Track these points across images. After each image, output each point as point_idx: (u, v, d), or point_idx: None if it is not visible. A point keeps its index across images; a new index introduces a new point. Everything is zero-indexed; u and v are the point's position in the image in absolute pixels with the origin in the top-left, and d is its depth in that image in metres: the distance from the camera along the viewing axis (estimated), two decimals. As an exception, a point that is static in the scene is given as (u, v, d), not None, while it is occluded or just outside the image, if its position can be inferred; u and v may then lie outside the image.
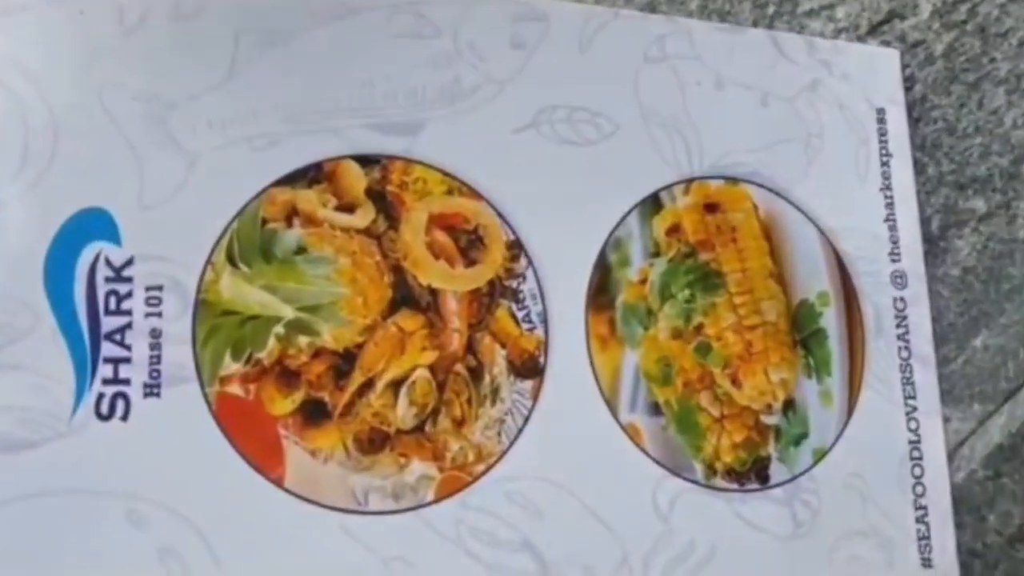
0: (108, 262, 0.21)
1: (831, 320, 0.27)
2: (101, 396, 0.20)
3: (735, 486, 0.25)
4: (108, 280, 0.21)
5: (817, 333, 0.26)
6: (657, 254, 0.25)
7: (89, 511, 0.20)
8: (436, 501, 0.22)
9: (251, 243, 0.22)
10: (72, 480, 0.20)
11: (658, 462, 0.24)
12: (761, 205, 0.27)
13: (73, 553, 0.19)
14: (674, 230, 0.26)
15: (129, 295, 0.21)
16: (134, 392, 0.20)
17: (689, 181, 0.26)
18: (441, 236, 0.23)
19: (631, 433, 0.24)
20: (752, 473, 0.25)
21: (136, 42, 0.22)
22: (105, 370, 0.20)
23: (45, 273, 0.20)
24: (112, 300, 0.21)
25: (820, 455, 0.25)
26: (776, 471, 0.25)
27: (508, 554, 0.22)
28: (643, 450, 0.24)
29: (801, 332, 0.26)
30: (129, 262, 0.21)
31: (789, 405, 0.26)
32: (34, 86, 0.21)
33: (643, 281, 0.25)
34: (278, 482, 0.21)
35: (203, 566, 0.20)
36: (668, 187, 0.26)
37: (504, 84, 0.24)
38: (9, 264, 0.20)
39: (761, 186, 0.27)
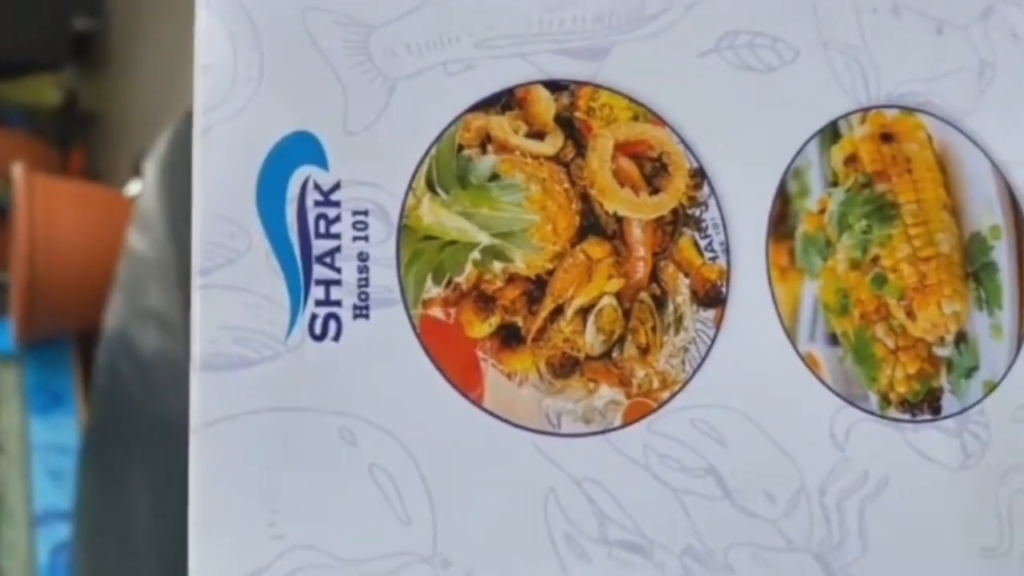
0: (317, 186, 0.21)
1: (1002, 254, 0.26)
2: (314, 317, 0.21)
3: (908, 417, 0.25)
4: (317, 204, 0.21)
5: (988, 266, 0.26)
6: (835, 184, 0.25)
7: (305, 428, 0.20)
8: (624, 426, 0.23)
9: (449, 169, 0.22)
10: (288, 398, 0.20)
11: (835, 392, 0.24)
12: (935, 135, 0.26)
13: (289, 468, 0.20)
14: (851, 160, 0.25)
15: (337, 219, 0.21)
16: (345, 313, 0.21)
17: (866, 110, 0.26)
18: (626, 163, 0.23)
19: (809, 363, 0.24)
20: (924, 404, 0.25)
21: (335, -35, 0.22)
22: (317, 292, 0.21)
23: (258, 196, 0.21)
24: (322, 224, 0.21)
25: (990, 388, 0.25)
26: (948, 403, 0.25)
27: (693, 479, 0.23)
28: (821, 380, 0.24)
29: (973, 265, 0.26)
30: (336, 186, 0.21)
31: (961, 338, 0.25)
32: (240, 7, 0.21)
33: (822, 211, 0.25)
34: (477, 402, 0.22)
35: (410, 480, 0.21)
36: (846, 116, 0.25)
37: (689, 8, 0.24)
38: (223, 187, 0.21)
39: (935, 116, 0.26)
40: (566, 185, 0.23)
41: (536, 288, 0.22)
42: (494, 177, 0.22)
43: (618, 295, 0.23)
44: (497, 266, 0.22)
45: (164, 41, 1.39)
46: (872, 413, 0.25)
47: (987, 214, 0.26)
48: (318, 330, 0.21)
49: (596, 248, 0.23)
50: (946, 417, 0.25)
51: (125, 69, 1.66)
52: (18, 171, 0.97)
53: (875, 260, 0.25)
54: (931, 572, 0.24)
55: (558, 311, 0.22)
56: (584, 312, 0.23)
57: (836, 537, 0.24)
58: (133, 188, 1.06)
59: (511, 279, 0.22)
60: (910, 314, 0.25)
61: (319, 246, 0.21)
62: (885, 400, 0.25)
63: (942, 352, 0.25)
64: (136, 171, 1.05)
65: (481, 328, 0.22)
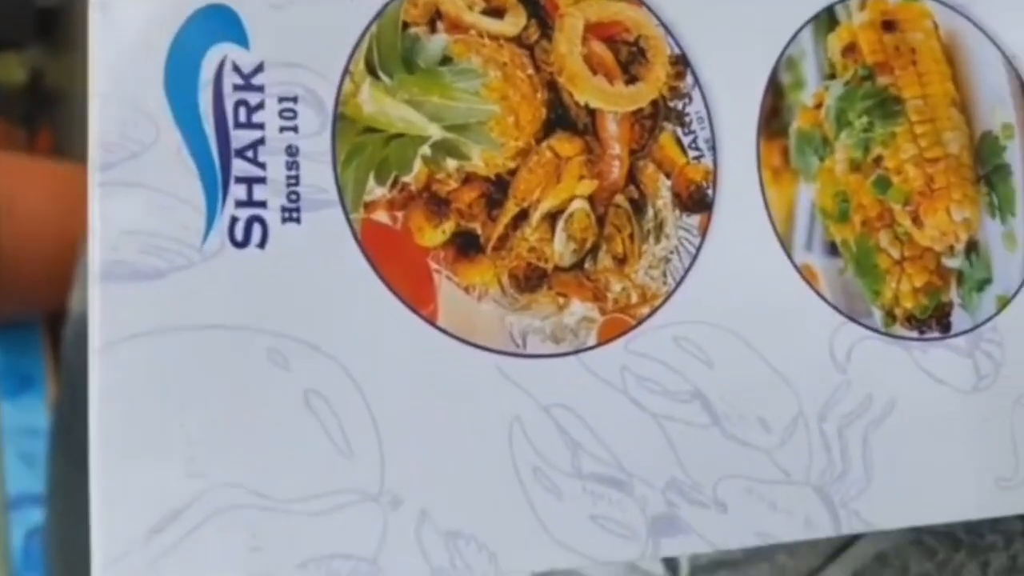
0: (236, 67, 0.18)
1: (1015, 154, 0.24)
2: (235, 220, 0.18)
3: (915, 334, 0.22)
4: (237, 88, 0.18)
5: (1000, 169, 0.24)
6: (833, 76, 0.22)
7: (227, 348, 0.18)
8: (598, 345, 0.20)
9: (392, 50, 0.19)
10: (206, 313, 0.18)
11: (835, 307, 0.22)
12: (942, 23, 0.23)
13: (209, 396, 0.17)
14: (850, 50, 0.23)
15: (261, 106, 0.18)
16: (271, 216, 0.18)
17: (866, -6, 0.23)
18: (599, 48, 0.20)
19: (807, 275, 0.21)
20: (933, 320, 0.22)
21: None
22: (238, 191, 0.18)
23: (166, 79, 0.18)
24: (242, 111, 0.18)
25: (1003, 303, 0.23)
26: (958, 319, 0.23)
27: (677, 404, 0.20)
28: (819, 294, 0.21)
29: (984, 167, 0.23)
30: (259, 68, 0.18)
31: (972, 247, 0.23)
32: None
33: (818, 106, 0.22)
34: (431, 319, 0.19)
35: (352, 409, 0.18)
36: (843, 0, 0.23)
37: None
38: (125, 68, 0.18)
39: (941, 2, 0.23)
40: (530, 71, 0.20)
41: (496, 190, 0.19)
42: (446, 60, 0.19)
43: (591, 198, 0.20)
44: (451, 164, 0.19)
45: None
46: (876, 330, 0.22)
47: (999, 110, 0.24)
48: (240, 235, 0.18)
49: (565, 144, 0.20)
50: (957, 335, 0.23)
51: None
52: None
53: (877, 161, 0.22)
54: (941, 504, 0.22)
55: (522, 216, 0.20)
56: (552, 217, 0.20)
57: (838, 467, 0.21)
58: None
59: (467, 179, 0.19)
60: (916, 221, 0.23)
61: (239, 137, 0.18)
62: (890, 316, 0.22)
63: (951, 263, 0.23)
64: None
65: (433, 235, 0.19)
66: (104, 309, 0.17)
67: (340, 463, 0.18)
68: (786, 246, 0.21)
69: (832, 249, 0.22)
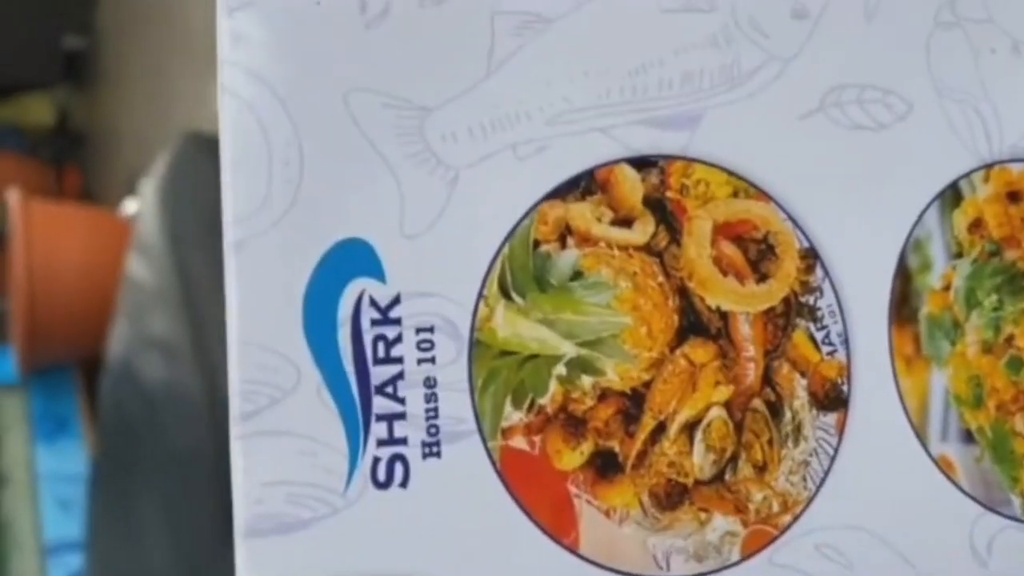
0: (374, 302, 0.18)
1: None
2: (377, 460, 0.17)
3: (1056, 521, 0.21)
4: (375, 323, 0.18)
5: None
6: (960, 255, 0.22)
7: (373, 594, 0.17)
8: (742, 560, 0.19)
9: (524, 270, 0.19)
10: (352, 561, 0.17)
11: (973, 498, 0.21)
12: (1065, 189, 0.23)
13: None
14: (976, 226, 0.22)
15: (399, 339, 0.18)
16: (412, 453, 0.18)
17: (989, 166, 0.22)
18: (728, 249, 0.20)
19: (943, 466, 0.21)
20: (1074, 505, 0.22)
21: (381, 36, 0.18)
22: (379, 429, 0.17)
23: (305, 320, 0.17)
24: (380, 347, 0.18)
25: None
26: (1099, 501, 0.22)
27: (823, 615, 0.19)
28: (957, 485, 0.21)
29: (1115, 337, 0.23)
30: (395, 301, 0.18)
31: (1109, 424, 0.22)
32: (271, 94, 0.18)
33: (946, 288, 0.22)
34: (572, 547, 0.18)
35: (498, 648, 0.18)
36: (967, 175, 0.22)
37: (788, 62, 0.21)
38: (263, 312, 0.17)
39: (1063, 167, 0.23)
40: (660, 279, 0.19)
41: (632, 404, 0.19)
42: (577, 275, 0.19)
43: (727, 405, 0.20)
44: (586, 381, 0.19)
45: (155, 58, 1.36)
46: (1016, 519, 0.21)
47: None
48: (382, 476, 0.17)
49: (699, 351, 0.19)
50: (1098, 517, 0.22)
51: (117, 87, 1.63)
52: (14, 197, 0.95)
53: (1009, 340, 0.22)
54: None
55: (660, 430, 0.19)
56: (690, 428, 0.19)
57: (986, 670, 0.20)
58: (129, 207, 1.04)
59: (603, 396, 0.19)
60: (1052, 400, 0.22)
61: (378, 374, 0.18)
62: (1030, 503, 0.21)
63: (1089, 442, 0.22)
64: (131, 189, 1.03)
65: (572, 458, 0.19)
66: (251, 566, 0.17)
67: None
68: (922, 438, 0.21)
69: (968, 437, 0.21)
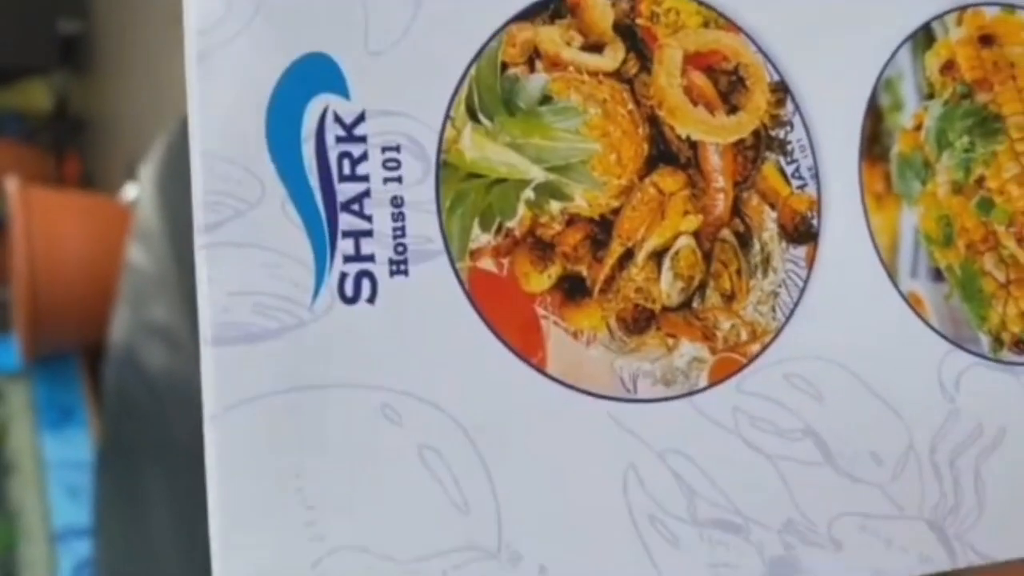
0: (338, 118, 0.18)
1: (1117, 169, 0.23)
2: (344, 276, 0.17)
3: (1023, 359, 0.22)
4: (340, 140, 0.18)
5: (1103, 184, 0.23)
6: (931, 96, 0.22)
7: (341, 407, 0.17)
8: (710, 386, 0.19)
9: (492, 92, 0.18)
10: (319, 373, 0.17)
11: (942, 334, 0.21)
12: (1039, 36, 0.23)
13: (326, 456, 0.17)
14: (948, 67, 0.22)
15: (364, 157, 0.18)
16: (379, 270, 0.18)
17: (963, 8, 0.22)
18: (699, 78, 0.20)
19: (913, 302, 0.21)
20: (1041, 345, 0.22)
21: None
22: (345, 245, 0.17)
23: (268, 133, 0.17)
24: (346, 164, 0.18)
25: (1111, 323, 0.22)
26: (1066, 342, 0.22)
27: (790, 443, 0.20)
28: (926, 321, 0.21)
29: (1086, 183, 0.23)
30: (360, 118, 0.18)
31: (1078, 267, 0.22)
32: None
33: (918, 128, 0.22)
34: (540, 367, 0.18)
35: (466, 463, 0.18)
36: (940, 16, 0.22)
37: None
38: (226, 125, 0.17)
39: (1037, 13, 0.23)
40: (630, 106, 0.19)
41: (601, 230, 0.19)
42: (545, 99, 0.19)
43: (696, 234, 0.20)
44: (554, 206, 0.19)
45: (152, 41, 1.33)
46: (983, 356, 0.21)
47: (1099, 124, 0.23)
48: (349, 291, 0.17)
49: (668, 179, 0.19)
50: (1064, 357, 0.22)
51: (114, 71, 1.61)
52: (13, 184, 0.93)
53: (980, 182, 0.22)
54: (1057, 534, 0.21)
55: (627, 256, 0.19)
56: (658, 256, 0.19)
57: (950, 500, 0.21)
58: (129, 192, 1.03)
59: (571, 221, 0.19)
60: (1021, 242, 0.22)
61: (344, 191, 0.17)
62: (997, 341, 0.22)
63: (1057, 284, 0.22)
64: (131, 174, 1.02)
65: (540, 280, 0.19)
66: (218, 373, 0.17)
67: (458, 519, 0.18)
68: (892, 274, 0.21)
69: (937, 275, 0.21)
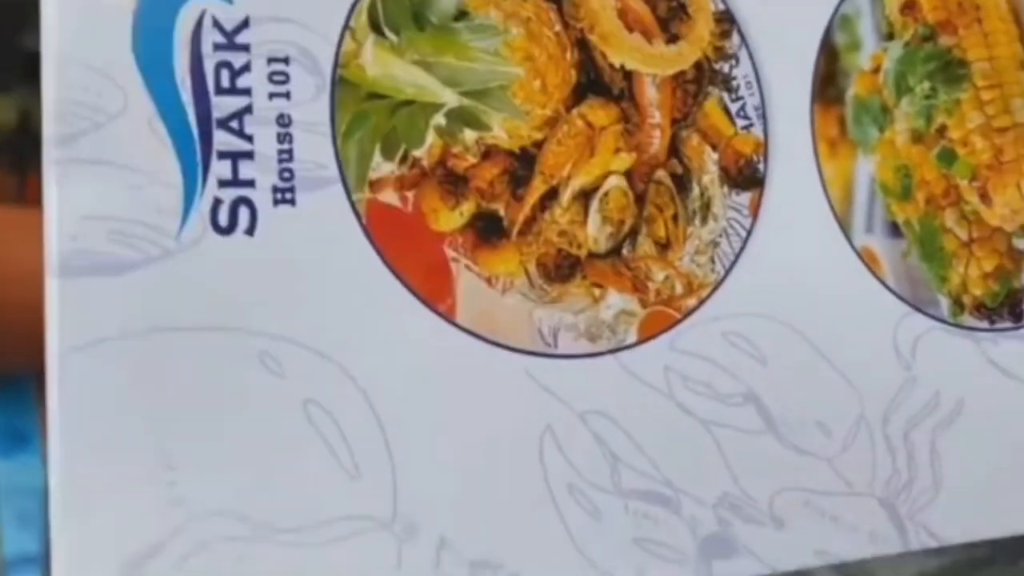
0: (217, 24, 0.15)
1: (1088, 125, 0.21)
2: (218, 202, 0.15)
3: (985, 324, 0.20)
4: (218, 48, 0.15)
5: (1072, 141, 0.21)
6: (891, 36, 0.20)
7: (211, 353, 0.15)
8: (639, 343, 0.17)
9: (399, 3, 0.16)
10: (185, 313, 0.15)
11: (898, 295, 0.19)
12: (1007, -21, 0.21)
13: (190, 409, 0.15)
14: (909, 7, 0.20)
15: (247, 68, 0.15)
16: (261, 197, 0.15)
17: (927, -57, 0.20)
18: (635, 2, 0.18)
19: (867, 259, 0.19)
20: (1004, 309, 0.20)
21: None
22: (221, 168, 0.15)
23: (135, 38, 0.15)
24: (224, 75, 0.15)
25: (1079, 289, 0.21)
26: (1031, 308, 0.20)
27: (728, 408, 0.18)
28: (881, 280, 0.19)
29: (1055, 139, 0.21)
30: (244, 24, 0.15)
31: (1045, 228, 0.21)
32: None
33: (876, 70, 0.20)
34: (448, 316, 0.16)
35: (359, 423, 0.16)
36: (902, -50, 0.20)
37: None
38: (86, 26, 0.15)
39: (1006, -45, 0.21)
40: (557, 28, 0.17)
41: (521, 165, 0.17)
42: (461, 15, 0.17)
43: (628, 174, 0.18)
44: (469, 135, 0.17)
45: None
46: (943, 321, 0.20)
47: (1070, 76, 0.21)
48: (224, 220, 0.15)
49: (599, 112, 0.17)
50: (1029, 325, 0.20)
51: None
52: None
53: (941, 131, 0.20)
54: (1017, 514, 0.20)
55: (551, 195, 0.17)
56: (585, 197, 0.17)
57: (904, 475, 0.19)
58: None
59: (488, 153, 0.17)
60: (984, 198, 0.20)
61: (221, 105, 0.15)
62: (958, 304, 0.20)
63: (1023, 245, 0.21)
64: None
65: (450, 218, 0.16)
66: (64, 309, 0.14)
67: (345, 485, 0.15)
68: (845, 227, 0.19)
69: (894, 230, 0.19)
